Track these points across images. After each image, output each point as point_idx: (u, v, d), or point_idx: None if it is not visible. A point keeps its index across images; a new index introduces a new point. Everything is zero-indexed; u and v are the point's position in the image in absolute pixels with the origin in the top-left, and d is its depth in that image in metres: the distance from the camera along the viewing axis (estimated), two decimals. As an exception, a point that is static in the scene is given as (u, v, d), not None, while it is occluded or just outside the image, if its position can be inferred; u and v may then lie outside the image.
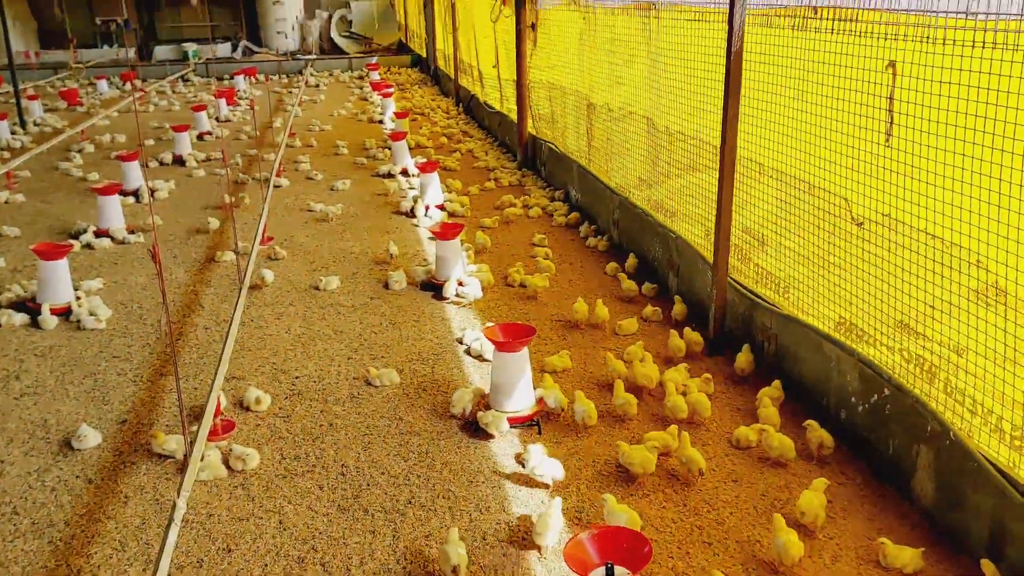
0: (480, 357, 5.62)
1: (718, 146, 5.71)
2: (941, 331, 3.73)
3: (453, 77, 17.31)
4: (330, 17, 28.12)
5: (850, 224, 4.21)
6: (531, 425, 4.71)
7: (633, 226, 7.36)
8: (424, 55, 22.79)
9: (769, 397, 4.68)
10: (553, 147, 10.07)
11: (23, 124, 14.89)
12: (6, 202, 9.95)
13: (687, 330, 5.60)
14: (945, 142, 3.48)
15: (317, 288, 6.98)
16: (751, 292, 5.33)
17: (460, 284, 6.77)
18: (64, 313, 6.46)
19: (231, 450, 4.43)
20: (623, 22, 7.45)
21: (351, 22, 28.13)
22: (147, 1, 29.32)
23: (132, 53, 27.39)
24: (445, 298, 6.64)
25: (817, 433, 4.20)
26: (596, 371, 5.41)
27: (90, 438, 4.62)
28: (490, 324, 5.74)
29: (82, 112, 17.26)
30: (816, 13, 4.24)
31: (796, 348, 4.78)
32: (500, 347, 4.63)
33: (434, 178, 9.30)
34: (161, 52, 26.95)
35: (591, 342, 5.87)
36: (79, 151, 12.95)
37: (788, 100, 4.68)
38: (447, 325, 6.21)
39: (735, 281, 5.45)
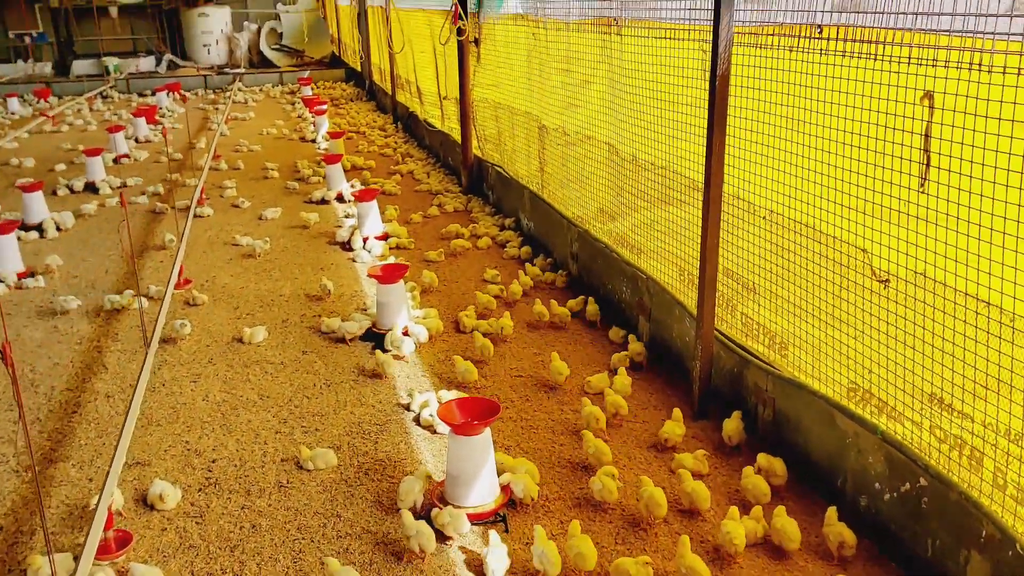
0: (431, 428, 4.85)
1: (694, 178, 5.11)
2: (986, 410, 3.13)
3: (390, 93, 16.49)
4: (259, 29, 26.94)
5: (869, 279, 3.59)
6: (496, 521, 3.97)
7: (595, 262, 6.69)
8: (359, 69, 21.90)
9: (764, 473, 4.04)
10: (501, 171, 9.37)
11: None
12: None
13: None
14: (994, 188, 2.88)
15: (241, 341, 6.11)
16: (742, 348, 4.69)
17: (406, 334, 6.00)
18: (-64, 382, 5.47)
19: (128, 571, 3.57)
20: (579, 39, 6.80)
21: (281, 35, 26.99)
22: (64, 14, 27.65)
23: (48, 68, 25.75)
24: (387, 351, 5.85)
25: (836, 529, 3.56)
26: (568, 448, 4.70)
27: (-52, 559, 3.71)
28: (445, 397, 5.01)
29: (-14, 133, 15.89)
30: (821, 33, 3.62)
31: (799, 417, 4.15)
32: (458, 430, 3.88)
33: (373, 207, 8.51)
34: (80, 67, 25.36)
35: (557, 404, 5.15)
36: (-22, 178, 11.74)
37: (787, 132, 4.06)
38: (391, 386, 5.42)
39: (723, 334, 4.81)
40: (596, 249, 6.64)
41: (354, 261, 7.93)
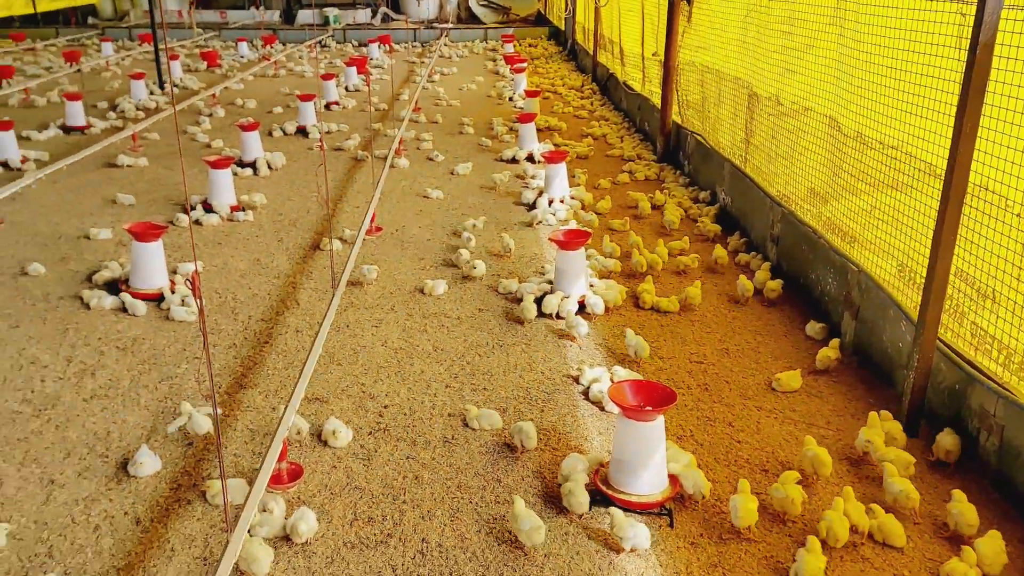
0: (600, 405, 4.64)
1: (931, 162, 4.48)
2: None
3: (591, 53, 16.17)
4: (470, -15, 27.41)
5: None
6: (661, 514, 3.71)
7: (799, 247, 6.14)
8: (562, 27, 21.70)
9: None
10: (701, 140, 8.86)
11: (161, 85, 14.93)
12: (128, 166, 9.73)
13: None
14: None
15: (422, 292, 6.19)
16: (968, 362, 4.08)
17: (581, 304, 5.80)
18: (156, 299, 5.95)
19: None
20: (806, -1, 6.17)
21: (491, -9, 27.32)
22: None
23: (276, 16, 27.65)
24: (561, 318, 5.69)
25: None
26: (749, 447, 4.33)
27: (147, 465, 3.99)
28: (618, 374, 4.78)
29: (219, 75, 17.28)
30: None
31: (1035, 452, 3.54)
32: (629, 414, 3.64)
33: (561, 169, 8.32)
34: (304, 16, 27.04)
35: (739, 398, 4.77)
36: (209, 115, 12.76)
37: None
38: (562, 355, 5.26)
39: (946, 344, 4.21)
40: (801, 233, 6.09)
41: (537, 223, 7.81)
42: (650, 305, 5.94)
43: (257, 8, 27.96)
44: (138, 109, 13.03)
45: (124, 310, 5.81)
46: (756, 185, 7.11)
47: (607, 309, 5.85)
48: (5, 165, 9.48)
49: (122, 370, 5.00)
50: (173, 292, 5.93)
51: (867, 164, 5.32)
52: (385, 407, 4.63)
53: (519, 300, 5.97)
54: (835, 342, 5.14)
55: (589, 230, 6.43)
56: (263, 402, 4.65)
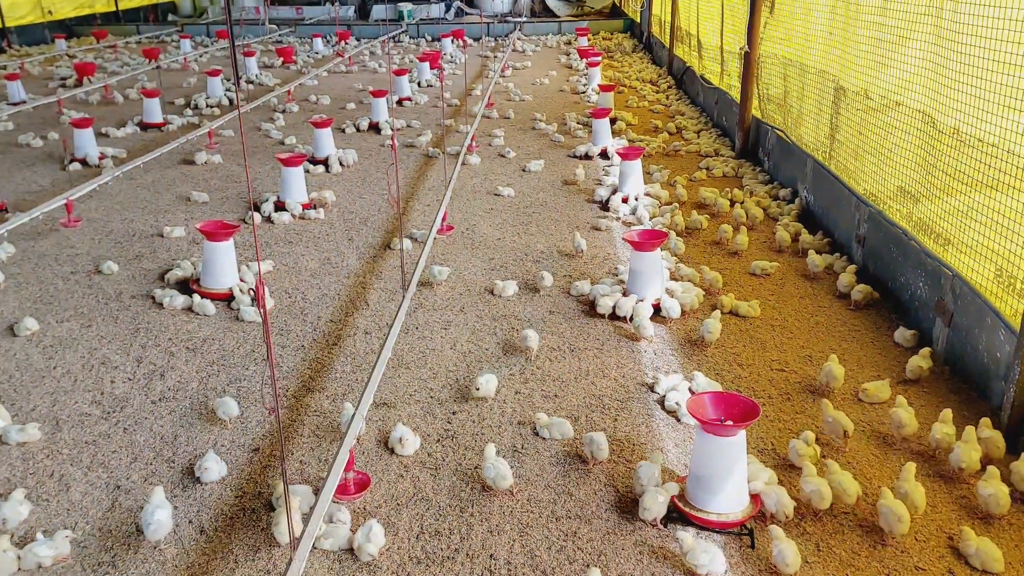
0: (675, 415, 4.45)
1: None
2: None
3: (668, 46, 15.80)
4: (544, -22, 27.19)
5: None
6: (741, 534, 3.52)
7: (887, 248, 5.79)
8: (638, 20, 21.30)
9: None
10: (782, 135, 8.51)
11: (237, 81, 15.21)
12: (204, 163, 9.93)
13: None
14: None
15: (492, 293, 6.09)
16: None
17: (656, 307, 5.61)
18: (227, 299, 6.02)
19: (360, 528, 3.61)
20: (900, -14, 5.80)
21: (564, -17, 27.06)
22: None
23: (351, 12, 28.00)
24: (630, 320, 5.50)
25: None
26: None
27: (213, 471, 3.99)
28: (695, 383, 4.58)
29: (294, 71, 17.57)
30: None
31: None
32: (708, 428, 3.45)
33: (636, 166, 8.10)
34: (378, 11, 27.30)
35: (817, 408, 4.51)
36: (283, 112, 12.96)
37: None
38: (636, 360, 5.09)
39: (1052, 358, 3.88)
40: (890, 234, 5.74)
41: (611, 221, 7.62)
42: (729, 309, 5.70)
43: (332, 4, 28.38)
44: (213, 107, 13.31)
45: (195, 310, 5.87)
46: (841, 183, 6.76)
47: (683, 313, 5.64)
48: (84, 162, 9.76)
49: (191, 372, 5.04)
50: (242, 292, 5.98)
51: (964, 162, 4.97)
52: (453, 413, 4.54)
53: (592, 302, 5.81)
54: (926, 351, 4.82)
55: (666, 230, 6.21)
56: (330, 406, 4.63)
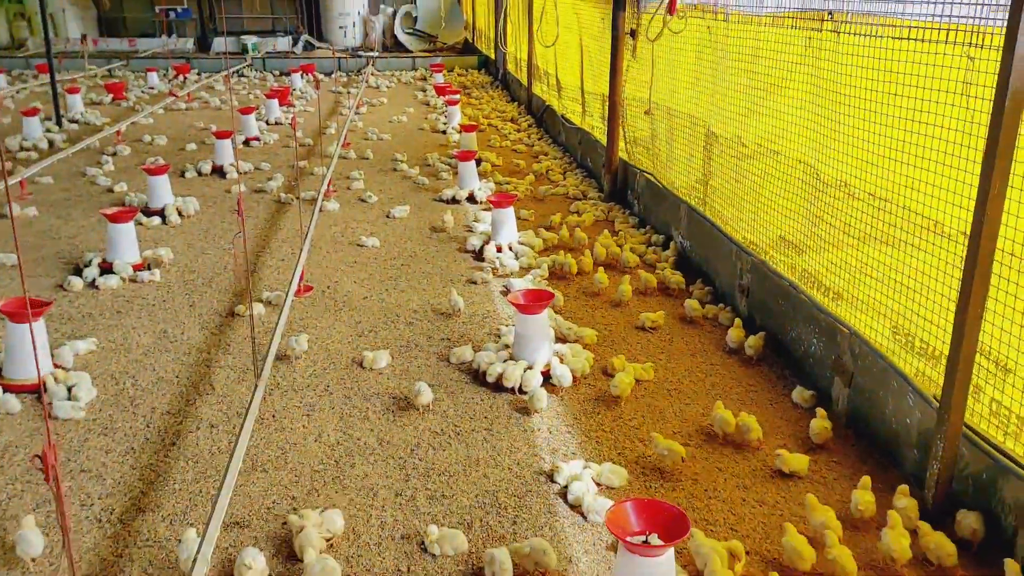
0: (580, 510, 3.95)
1: (932, 218, 3.99)
2: None
3: (525, 84, 15.64)
4: (395, 13, 26.69)
5: None
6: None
7: (775, 301, 5.60)
8: (492, 57, 21.20)
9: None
10: (652, 179, 8.34)
11: (59, 121, 13.69)
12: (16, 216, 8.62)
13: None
14: None
15: (361, 365, 5.40)
16: (999, 450, 3.56)
17: (546, 374, 5.13)
18: (36, 391, 5.00)
19: None
20: (773, 36, 5.69)
21: (416, 19, 26.68)
22: (208, -10, 28.26)
23: (190, 44, 26.35)
24: (524, 393, 5.00)
25: None
26: (771, 541, 3.70)
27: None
28: (603, 477, 4.11)
29: (126, 108, 16.08)
30: None
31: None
32: (633, 549, 2.95)
33: (509, 214, 7.67)
34: (220, 44, 25.82)
35: (737, 490, 4.14)
36: (112, 154, 11.67)
37: None
38: (530, 442, 4.56)
39: (973, 431, 3.68)
40: (777, 286, 5.56)
41: (487, 274, 7.11)
42: (621, 371, 5.29)
43: (169, 35, 26.62)
44: (28, 150, 11.80)
45: None
46: (719, 230, 6.59)
47: (575, 379, 5.19)
48: None
49: (-9, 490, 4.05)
50: (57, 382, 4.97)
51: (851, 215, 4.83)
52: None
53: (476, 371, 5.25)
54: (822, 412, 4.59)
55: (552, 290, 5.77)
56: (167, 531, 3.79)
